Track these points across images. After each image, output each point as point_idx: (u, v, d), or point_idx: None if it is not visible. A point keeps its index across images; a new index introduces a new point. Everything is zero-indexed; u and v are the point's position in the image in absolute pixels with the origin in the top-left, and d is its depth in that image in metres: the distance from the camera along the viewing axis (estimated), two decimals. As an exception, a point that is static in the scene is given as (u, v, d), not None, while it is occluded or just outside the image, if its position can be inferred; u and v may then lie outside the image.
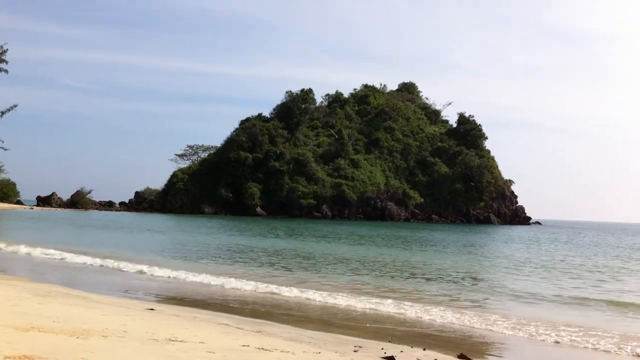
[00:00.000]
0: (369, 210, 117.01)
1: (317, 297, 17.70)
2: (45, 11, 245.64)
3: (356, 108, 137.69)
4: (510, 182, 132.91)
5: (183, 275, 21.62)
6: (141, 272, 22.45)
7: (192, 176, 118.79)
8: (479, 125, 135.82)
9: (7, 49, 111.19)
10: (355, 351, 10.14)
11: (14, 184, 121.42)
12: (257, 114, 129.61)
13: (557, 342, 12.89)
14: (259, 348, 8.89)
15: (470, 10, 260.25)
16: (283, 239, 47.60)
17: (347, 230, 64.88)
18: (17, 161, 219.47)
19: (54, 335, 7.94)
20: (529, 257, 37.56)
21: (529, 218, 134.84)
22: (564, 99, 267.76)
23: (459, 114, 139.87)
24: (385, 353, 10.01)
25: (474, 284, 22.79)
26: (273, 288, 18.94)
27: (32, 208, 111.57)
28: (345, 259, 31.15)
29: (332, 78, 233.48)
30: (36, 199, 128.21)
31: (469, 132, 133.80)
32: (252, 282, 19.97)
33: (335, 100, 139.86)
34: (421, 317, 15.29)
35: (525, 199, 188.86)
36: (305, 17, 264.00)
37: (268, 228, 63.62)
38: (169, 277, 21.50)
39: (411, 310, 16.02)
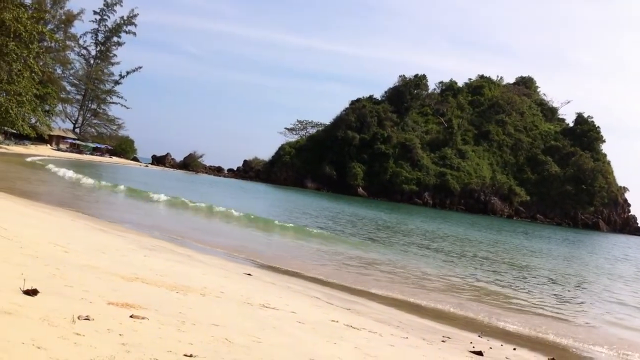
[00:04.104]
0: (471, 203, 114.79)
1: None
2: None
3: (469, 98, 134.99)
4: (625, 189, 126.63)
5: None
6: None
7: (299, 151, 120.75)
8: (598, 127, 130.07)
9: (138, 14, 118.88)
10: (443, 341, 10.05)
11: (132, 142, 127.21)
12: (368, 96, 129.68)
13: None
14: (347, 325, 8.99)
15: (599, 7, 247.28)
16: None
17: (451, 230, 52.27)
18: (137, 120, 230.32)
19: (156, 288, 8.27)
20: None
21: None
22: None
23: (577, 113, 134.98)
24: (473, 347, 9.87)
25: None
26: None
27: (147, 166, 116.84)
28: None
29: (448, 66, 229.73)
30: (151, 157, 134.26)
31: (585, 133, 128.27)
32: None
33: (449, 88, 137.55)
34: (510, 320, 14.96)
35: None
36: (427, 2, 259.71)
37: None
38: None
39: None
